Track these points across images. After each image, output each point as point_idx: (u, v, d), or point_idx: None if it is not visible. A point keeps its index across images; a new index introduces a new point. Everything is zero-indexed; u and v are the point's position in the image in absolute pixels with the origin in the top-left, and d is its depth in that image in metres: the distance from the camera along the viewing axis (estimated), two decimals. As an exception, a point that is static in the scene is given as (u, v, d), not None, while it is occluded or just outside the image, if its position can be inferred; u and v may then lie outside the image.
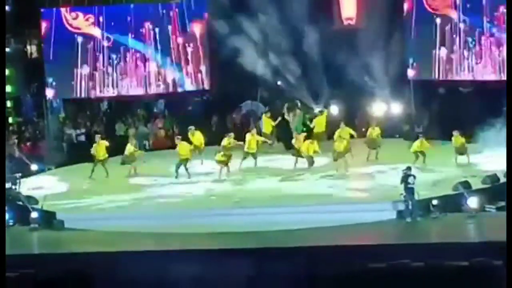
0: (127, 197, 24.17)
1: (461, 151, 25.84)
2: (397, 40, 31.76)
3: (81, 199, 24.07)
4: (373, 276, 15.42)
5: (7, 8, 28.58)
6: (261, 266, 16.08)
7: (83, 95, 32.79)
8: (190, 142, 26.72)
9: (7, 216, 21.43)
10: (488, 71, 31.03)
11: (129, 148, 26.93)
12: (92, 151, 26.56)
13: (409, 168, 21.40)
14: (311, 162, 25.96)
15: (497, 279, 15.37)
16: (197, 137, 27.31)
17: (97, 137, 27.18)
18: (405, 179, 20.95)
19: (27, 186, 25.06)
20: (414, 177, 20.99)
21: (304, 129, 28.51)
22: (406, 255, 16.57)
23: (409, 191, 20.78)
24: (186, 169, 25.80)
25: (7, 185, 23.39)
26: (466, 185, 21.82)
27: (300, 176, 25.57)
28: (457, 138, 25.92)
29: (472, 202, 20.83)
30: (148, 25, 32.87)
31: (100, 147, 26.52)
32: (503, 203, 20.48)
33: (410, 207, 20.66)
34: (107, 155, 26.75)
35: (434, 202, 20.87)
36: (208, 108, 33.48)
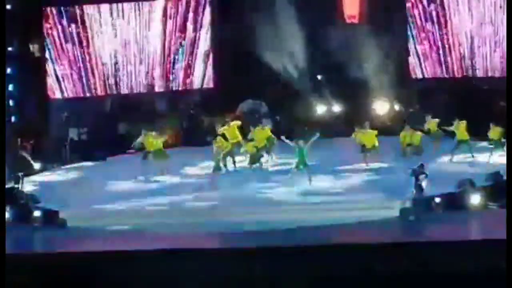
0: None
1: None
2: (400, 37, 31.88)
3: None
4: (374, 275, 15.38)
5: (8, 6, 28.54)
6: (261, 265, 16.03)
7: (86, 94, 32.82)
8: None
9: (9, 215, 21.42)
10: (494, 67, 31.19)
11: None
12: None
13: (421, 166, 21.35)
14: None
15: (500, 278, 15.33)
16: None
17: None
18: (416, 175, 20.89)
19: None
20: (426, 175, 20.93)
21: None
22: (408, 253, 16.52)
23: (419, 188, 20.75)
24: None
25: (10, 184, 23.44)
26: (469, 182, 21.80)
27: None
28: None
29: (475, 199, 20.82)
30: (152, 22, 32.91)
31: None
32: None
33: (414, 204, 20.61)
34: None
35: (437, 200, 20.83)
36: (213, 106, 33.48)
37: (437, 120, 27.60)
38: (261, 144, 26.75)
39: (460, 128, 26.51)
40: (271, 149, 27.08)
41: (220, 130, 27.06)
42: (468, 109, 28.95)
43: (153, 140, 26.22)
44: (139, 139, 26.64)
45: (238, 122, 27.55)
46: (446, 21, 31.79)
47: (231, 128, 26.96)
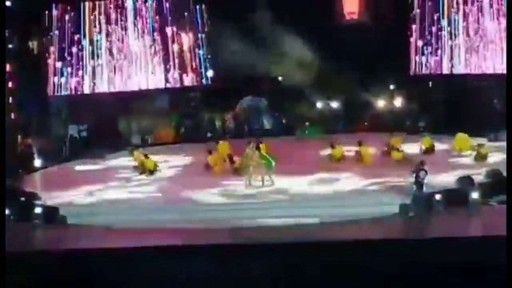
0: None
1: None
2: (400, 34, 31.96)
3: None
4: (373, 271, 15.41)
5: (8, 3, 28.57)
6: (259, 261, 16.05)
7: (85, 91, 32.86)
8: None
9: (9, 212, 21.44)
10: (491, 64, 31.26)
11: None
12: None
13: (421, 163, 21.41)
14: None
15: (499, 274, 15.35)
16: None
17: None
18: (416, 172, 20.95)
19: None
20: (426, 172, 20.98)
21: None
22: (408, 250, 16.55)
23: (419, 185, 20.83)
24: None
25: (10, 181, 23.48)
26: (468, 179, 21.86)
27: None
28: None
29: (475, 196, 20.84)
30: (151, 19, 32.95)
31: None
32: (505, 197, 20.47)
33: (414, 201, 20.66)
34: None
35: (437, 196, 20.88)
36: (212, 102, 33.54)
37: (430, 139, 27.24)
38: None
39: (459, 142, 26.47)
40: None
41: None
42: (466, 107, 29.07)
43: (146, 160, 26.24)
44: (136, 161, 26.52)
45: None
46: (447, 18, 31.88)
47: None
